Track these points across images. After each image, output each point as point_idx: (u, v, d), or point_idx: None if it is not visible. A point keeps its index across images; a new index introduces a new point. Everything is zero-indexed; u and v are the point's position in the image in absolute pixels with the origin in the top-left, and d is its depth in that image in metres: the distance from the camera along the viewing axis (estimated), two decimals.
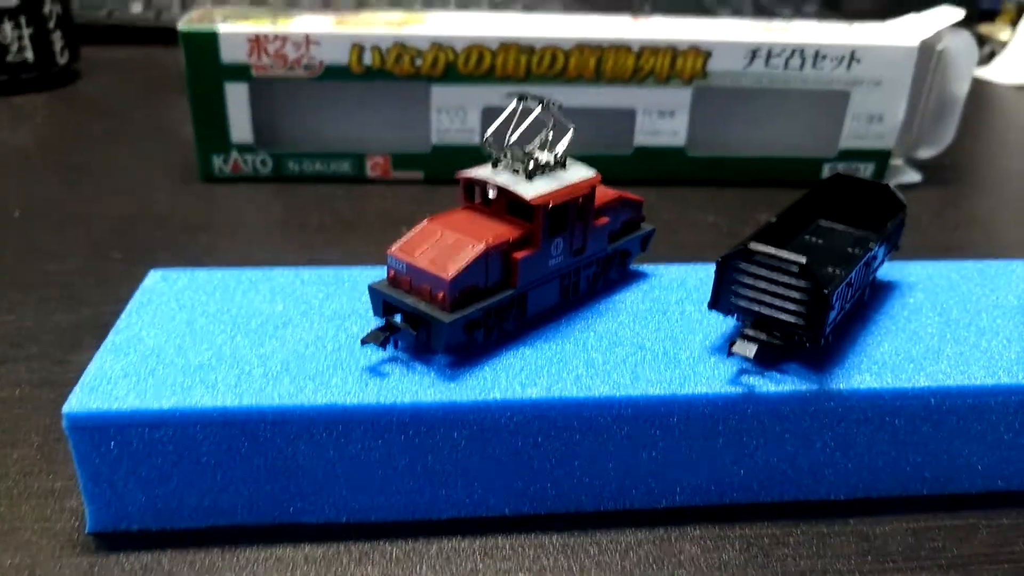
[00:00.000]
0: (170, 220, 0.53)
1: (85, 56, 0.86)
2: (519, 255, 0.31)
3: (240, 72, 0.57)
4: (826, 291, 0.29)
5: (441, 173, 0.61)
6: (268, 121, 0.60)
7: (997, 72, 0.98)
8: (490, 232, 0.31)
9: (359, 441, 0.29)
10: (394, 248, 0.31)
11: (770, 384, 0.30)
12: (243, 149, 0.59)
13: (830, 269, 0.34)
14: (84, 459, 0.28)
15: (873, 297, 0.36)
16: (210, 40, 0.56)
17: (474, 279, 0.30)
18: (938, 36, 0.61)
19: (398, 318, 0.30)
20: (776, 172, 0.64)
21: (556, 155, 0.33)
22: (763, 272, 0.30)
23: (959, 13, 0.61)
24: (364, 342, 0.29)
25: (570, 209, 0.32)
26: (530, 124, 0.33)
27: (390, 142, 0.61)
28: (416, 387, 0.29)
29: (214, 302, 0.33)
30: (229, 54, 0.56)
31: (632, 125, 0.61)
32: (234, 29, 0.56)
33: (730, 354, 0.30)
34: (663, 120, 0.61)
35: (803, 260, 0.29)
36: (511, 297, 0.31)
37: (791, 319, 0.30)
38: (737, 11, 1.05)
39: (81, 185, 0.58)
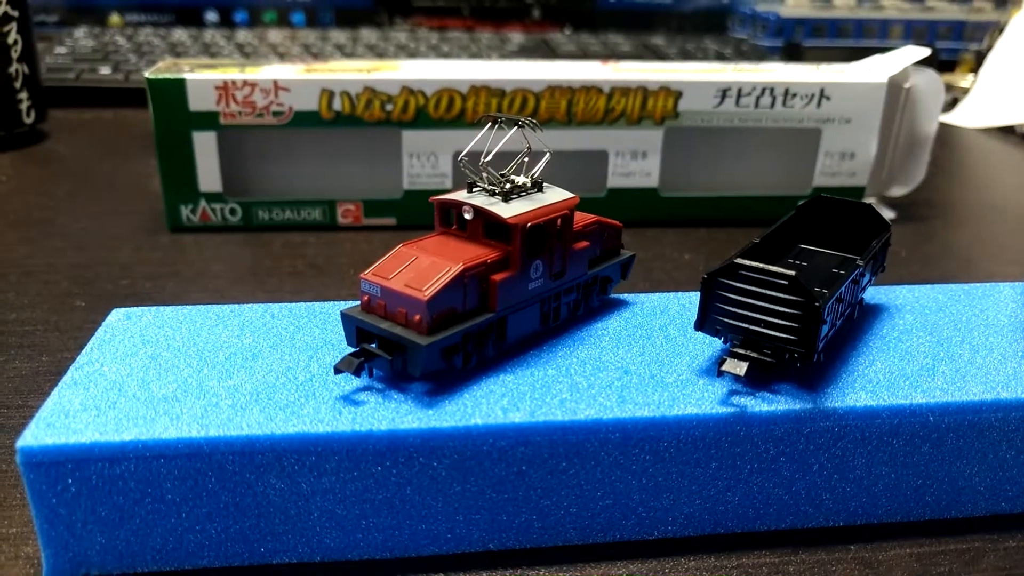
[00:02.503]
0: (136, 270, 0.52)
1: (53, 118, 0.85)
2: (497, 278, 0.30)
3: (208, 120, 0.56)
4: (817, 304, 0.28)
5: (414, 219, 0.60)
6: (237, 169, 0.59)
7: (960, 117, 1.00)
8: (467, 254, 0.30)
9: (333, 473, 0.27)
10: (367, 272, 0.29)
11: (763, 404, 0.29)
12: (212, 198, 0.58)
13: (817, 289, 0.33)
14: (40, 499, 0.26)
15: (862, 319, 0.35)
16: (178, 88, 0.55)
17: (451, 302, 0.29)
18: (905, 74, 0.61)
19: (373, 345, 0.29)
20: (751, 211, 0.63)
21: (532, 177, 0.32)
22: (751, 288, 0.29)
23: (924, 51, 0.62)
24: (337, 370, 0.28)
25: (549, 230, 0.31)
26: (506, 148, 0.32)
27: (361, 189, 0.60)
28: (393, 414, 0.27)
29: (180, 336, 0.32)
30: (197, 102, 0.55)
31: (605, 167, 0.61)
32: (202, 77, 0.55)
33: (720, 373, 0.29)
34: (636, 161, 0.61)
35: (792, 273, 0.28)
36: (490, 321, 0.30)
37: (782, 335, 0.29)
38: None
39: (45, 240, 0.56)
